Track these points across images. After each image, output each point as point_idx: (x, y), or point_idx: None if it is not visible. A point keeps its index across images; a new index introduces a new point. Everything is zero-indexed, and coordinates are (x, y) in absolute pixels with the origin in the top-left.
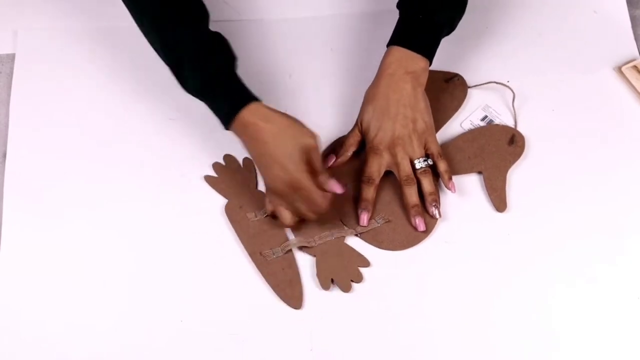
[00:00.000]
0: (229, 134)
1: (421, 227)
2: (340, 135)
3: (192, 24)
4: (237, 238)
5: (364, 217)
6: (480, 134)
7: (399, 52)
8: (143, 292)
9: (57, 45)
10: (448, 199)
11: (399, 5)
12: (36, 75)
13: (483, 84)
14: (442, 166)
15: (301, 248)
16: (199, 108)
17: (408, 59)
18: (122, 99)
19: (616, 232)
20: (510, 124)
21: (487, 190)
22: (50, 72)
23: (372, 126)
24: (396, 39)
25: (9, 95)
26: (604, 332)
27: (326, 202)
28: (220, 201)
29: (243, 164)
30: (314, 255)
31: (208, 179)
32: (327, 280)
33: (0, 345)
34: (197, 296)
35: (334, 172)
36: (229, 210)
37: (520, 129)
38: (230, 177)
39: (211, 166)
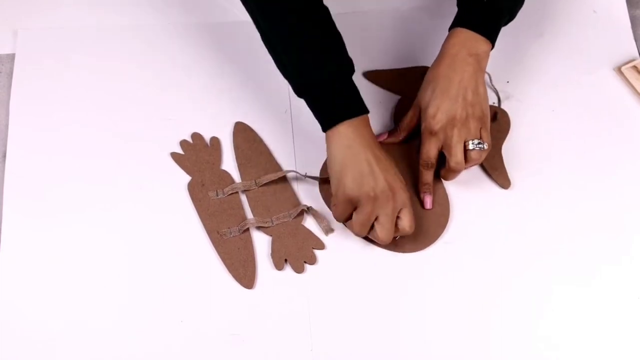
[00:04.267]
0: (224, 131)
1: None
2: None
3: (321, 19)
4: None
5: (428, 200)
6: None
7: (463, 33)
8: (143, 292)
9: (57, 45)
10: (449, 198)
11: None
12: (36, 75)
13: None
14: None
15: (259, 228)
16: (199, 109)
17: (472, 41)
18: (121, 98)
19: (616, 232)
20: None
21: (488, 171)
22: (50, 72)
23: (431, 106)
24: (460, 21)
25: (9, 95)
26: (604, 332)
27: (413, 221)
28: None
29: (210, 143)
30: (271, 236)
31: (174, 155)
32: (280, 260)
33: (0, 344)
34: (198, 296)
35: None
36: (191, 188)
37: (520, 129)
38: (195, 155)
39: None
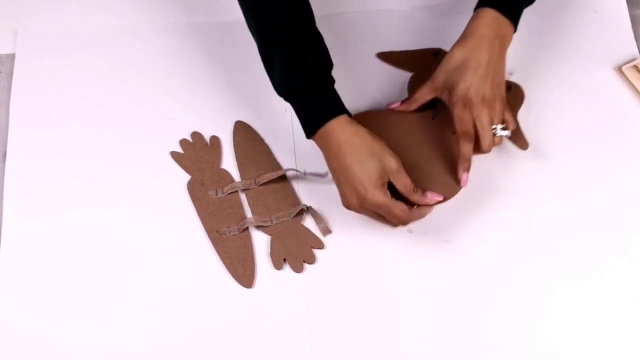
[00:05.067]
0: (224, 130)
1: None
2: None
3: (302, 23)
4: (197, 215)
5: (466, 178)
6: None
7: (491, 14)
8: (143, 292)
9: (57, 45)
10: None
11: None
12: (36, 75)
13: None
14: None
15: (258, 227)
16: (199, 108)
17: (499, 22)
18: (121, 98)
19: (616, 232)
20: None
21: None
22: (50, 72)
23: (463, 81)
24: (486, 1)
25: (9, 95)
26: (604, 332)
27: (408, 215)
28: None
29: (210, 142)
30: (270, 235)
31: (174, 154)
32: (279, 259)
33: (0, 344)
34: (197, 296)
35: None
36: (191, 187)
37: (520, 129)
38: (195, 154)
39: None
